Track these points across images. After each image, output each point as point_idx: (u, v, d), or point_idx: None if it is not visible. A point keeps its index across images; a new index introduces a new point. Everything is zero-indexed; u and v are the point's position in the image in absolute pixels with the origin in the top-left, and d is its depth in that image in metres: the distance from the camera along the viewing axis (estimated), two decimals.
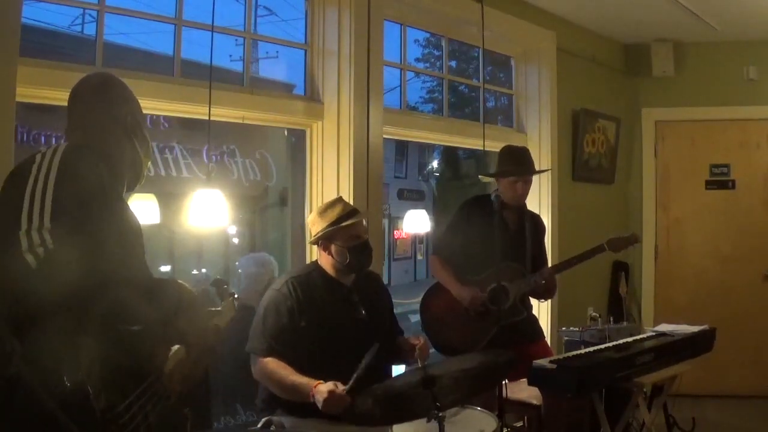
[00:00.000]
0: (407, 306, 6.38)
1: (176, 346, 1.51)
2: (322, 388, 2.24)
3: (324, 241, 2.58)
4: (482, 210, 3.22)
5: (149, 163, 1.75)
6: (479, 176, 3.54)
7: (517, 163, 3.24)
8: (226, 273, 4.18)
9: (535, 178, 4.46)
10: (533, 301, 3.49)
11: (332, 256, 2.57)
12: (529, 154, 3.35)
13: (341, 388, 2.22)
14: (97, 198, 1.40)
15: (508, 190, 3.21)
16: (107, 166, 1.51)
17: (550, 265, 3.41)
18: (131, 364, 1.35)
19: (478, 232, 3.18)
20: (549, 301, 4.40)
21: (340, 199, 2.68)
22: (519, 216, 3.31)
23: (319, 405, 2.22)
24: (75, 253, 1.27)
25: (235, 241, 4.36)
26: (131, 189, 1.69)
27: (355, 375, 2.19)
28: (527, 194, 3.29)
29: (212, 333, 1.60)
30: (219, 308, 1.73)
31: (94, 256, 1.31)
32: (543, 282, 3.19)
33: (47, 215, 1.28)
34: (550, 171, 4.30)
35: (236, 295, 1.88)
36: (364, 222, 2.67)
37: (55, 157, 1.38)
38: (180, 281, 1.58)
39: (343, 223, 2.54)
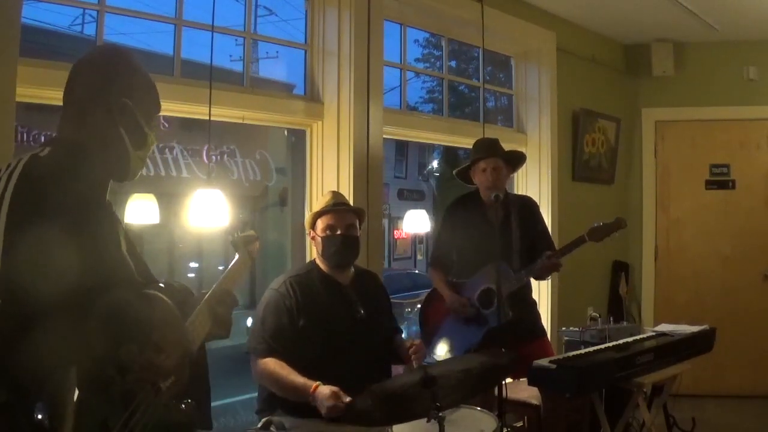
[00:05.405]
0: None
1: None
2: (323, 391, 2.24)
3: (310, 230, 2.64)
4: (463, 211, 3.22)
5: (145, 153, 1.55)
6: (455, 172, 3.39)
7: (482, 151, 3.17)
8: None
9: (534, 176, 4.55)
10: (536, 298, 3.47)
11: (316, 246, 2.62)
12: (498, 142, 3.26)
13: (342, 397, 2.20)
14: (58, 219, 1.25)
15: (482, 183, 3.14)
16: (83, 166, 1.38)
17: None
18: (111, 400, 1.25)
19: (462, 234, 3.17)
20: (549, 301, 4.41)
21: (332, 192, 2.71)
22: (503, 208, 3.06)
23: (321, 409, 2.22)
24: (31, 295, 1.16)
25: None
26: (120, 180, 1.52)
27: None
28: (501, 182, 3.15)
29: (193, 341, 1.45)
30: (198, 314, 1.51)
31: (65, 282, 1.20)
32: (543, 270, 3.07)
33: None
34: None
35: (256, 235, 1.77)
36: (352, 219, 2.60)
37: (10, 183, 1.25)
38: (155, 293, 1.43)
39: (321, 210, 2.57)
